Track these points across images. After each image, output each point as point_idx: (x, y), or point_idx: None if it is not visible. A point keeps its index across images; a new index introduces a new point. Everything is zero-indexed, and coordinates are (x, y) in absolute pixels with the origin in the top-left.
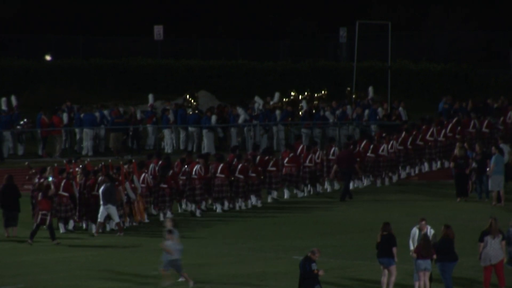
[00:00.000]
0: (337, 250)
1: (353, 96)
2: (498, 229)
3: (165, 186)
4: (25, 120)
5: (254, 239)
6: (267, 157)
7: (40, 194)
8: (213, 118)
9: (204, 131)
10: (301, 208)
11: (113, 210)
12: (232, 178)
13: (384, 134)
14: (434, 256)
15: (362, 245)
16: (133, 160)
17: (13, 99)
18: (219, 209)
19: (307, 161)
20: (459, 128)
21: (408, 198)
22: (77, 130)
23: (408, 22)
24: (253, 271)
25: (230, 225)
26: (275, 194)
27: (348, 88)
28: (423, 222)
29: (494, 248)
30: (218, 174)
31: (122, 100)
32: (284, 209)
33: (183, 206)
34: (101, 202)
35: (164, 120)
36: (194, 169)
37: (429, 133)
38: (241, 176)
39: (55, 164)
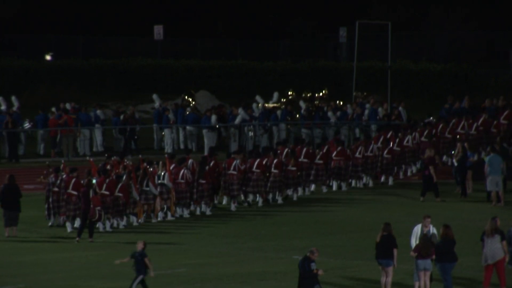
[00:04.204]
0: (337, 250)
1: (357, 93)
2: (494, 228)
3: (203, 181)
4: (29, 121)
5: (254, 239)
6: (313, 150)
7: (91, 191)
8: (213, 118)
9: (204, 131)
10: (301, 208)
11: None
12: (268, 174)
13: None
14: (433, 256)
15: (362, 245)
16: (166, 156)
17: (14, 100)
18: (257, 201)
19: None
20: (495, 122)
21: (408, 198)
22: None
23: (408, 22)
24: (253, 271)
25: (230, 224)
26: (324, 188)
27: (355, 93)
28: (428, 219)
29: (491, 248)
30: (254, 169)
31: (122, 100)
32: (284, 209)
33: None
34: None
35: (164, 120)
36: (233, 164)
37: (460, 126)
38: (276, 171)
39: (62, 161)
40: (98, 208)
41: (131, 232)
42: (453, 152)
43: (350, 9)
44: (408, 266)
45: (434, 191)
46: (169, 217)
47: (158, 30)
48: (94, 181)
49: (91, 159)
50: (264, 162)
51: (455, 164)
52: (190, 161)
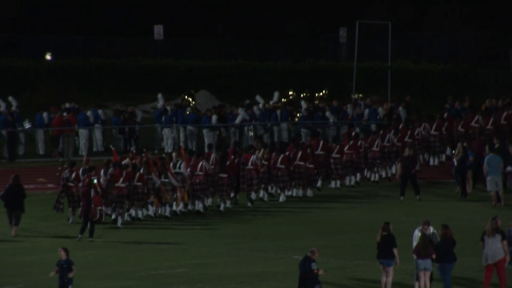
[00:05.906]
0: (337, 250)
1: (354, 96)
2: (495, 228)
3: (224, 175)
4: (29, 121)
5: (254, 239)
6: (332, 144)
7: (92, 191)
8: (214, 118)
9: (205, 131)
10: (301, 208)
11: None
12: (292, 168)
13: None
14: (433, 256)
15: (362, 245)
16: (181, 145)
17: (12, 100)
18: (281, 199)
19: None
20: None
21: (408, 198)
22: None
23: (408, 22)
24: (253, 271)
25: (230, 225)
26: (338, 183)
27: (356, 95)
28: (426, 226)
29: (491, 248)
30: (278, 165)
31: (122, 100)
32: (284, 209)
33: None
34: None
35: (165, 120)
36: (251, 160)
37: (475, 120)
38: (302, 163)
39: (85, 155)
40: (99, 207)
41: (132, 229)
42: (453, 152)
43: (350, 9)
44: (408, 266)
45: (415, 187)
46: (167, 213)
47: (158, 30)
48: (95, 180)
49: (113, 148)
50: (287, 156)
51: (455, 164)
52: (212, 155)
